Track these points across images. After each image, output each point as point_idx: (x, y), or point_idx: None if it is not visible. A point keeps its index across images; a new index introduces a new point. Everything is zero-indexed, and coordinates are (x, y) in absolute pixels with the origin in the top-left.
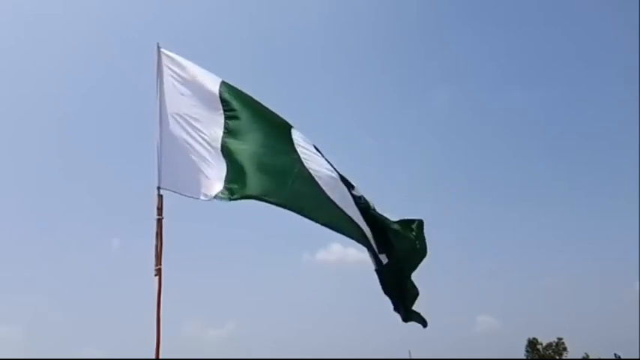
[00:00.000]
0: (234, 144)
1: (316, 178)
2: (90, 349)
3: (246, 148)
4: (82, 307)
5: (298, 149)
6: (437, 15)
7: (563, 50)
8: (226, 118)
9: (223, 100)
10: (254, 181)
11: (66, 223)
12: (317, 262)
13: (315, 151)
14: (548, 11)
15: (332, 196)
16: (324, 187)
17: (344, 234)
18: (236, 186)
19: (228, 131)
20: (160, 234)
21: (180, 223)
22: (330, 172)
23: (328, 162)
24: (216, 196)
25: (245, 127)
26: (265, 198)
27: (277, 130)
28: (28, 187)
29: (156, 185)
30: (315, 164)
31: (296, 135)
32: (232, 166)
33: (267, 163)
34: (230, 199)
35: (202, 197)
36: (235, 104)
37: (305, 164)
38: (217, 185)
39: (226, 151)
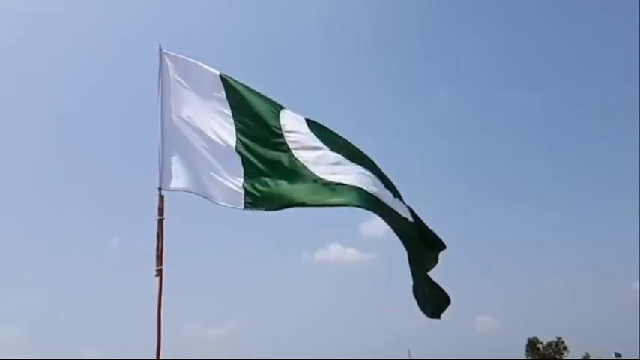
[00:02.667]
0: (246, 149)
1: (305, 164)
2: (90, 349)
3: (257, 153)
4: (82, 307)
5: (286, 138)
6: (437, 15)
7: (563, 50)
8: (235, 120)
9: (229, 101)
10: (268, 193)
11: (66, 222)
12: (316, 261)
13: (306, 130)
14: (548, 11)
15: (320, 175)
16: (311, 168)
17: (347, 205)
18: (254, 195)
19: (239, 134)
20: (160, 234)
21: (180, 223)
22: (318, 152)
23: (321, 139)
24: (234, 204)
25: (253, 129)
26: (279, 206)
27: (272, 122)
28: (28, 187)
29: (157, 186)
30: (304, 150)
31: (285, 119)
32: (248, 174)
33: (272, 168)
34: (248, 208)
35: (213, 200)
36: (239, 102)
37: (294, 154)
38: (232, 191)
39: (241, 156)
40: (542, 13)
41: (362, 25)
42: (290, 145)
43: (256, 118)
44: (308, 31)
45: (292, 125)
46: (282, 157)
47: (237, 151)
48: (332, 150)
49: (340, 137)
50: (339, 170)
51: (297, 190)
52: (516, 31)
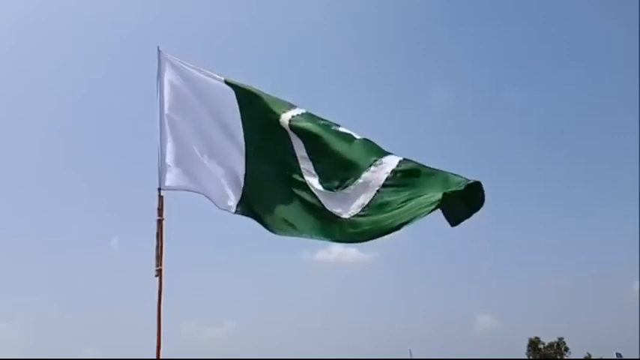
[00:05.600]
0: (252, 157)
1: (316, 193)
2: (90, 349)
3: (263, 166)
4: (82, 307)
5: (301, 164)
6: (437, 15)
7: (563, 50)
8: (243, 126)
9: (240, 107)
10: (270, 210)
11: (66, 222)
12: (317, 261)
13: (304, 154)
14: (548, 11)
15: (330, 208)
16: (322, 200)
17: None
18: (250, 202)
19: (247, 142)
20: (160, 235)
21: (179, 223)
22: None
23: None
24: (227, 208)
25: (262, 138)
26: (276, 232)
27: (283, 137)
28: (27, 187)
29: (156, 186)
30: (312, 177)
31: (292, 137)
32: (251, 183)
33: (279, 188)
34: (242, 214)
35: (210, 198)
36: (249, 110)
37: (305, 178)
38: (231, 193)
39: (245, 161)
40: (542, 13)
41: (361, 25)
42: (300, 163)
43: (267, 126)
44: (307, 31)
45: (297, 142)
46: (289, 175)
47: (244, 156)
48: (320, 182)
49: (325, 144)
50: (325, 201)
51: (301, 220)
52: (516, 31)
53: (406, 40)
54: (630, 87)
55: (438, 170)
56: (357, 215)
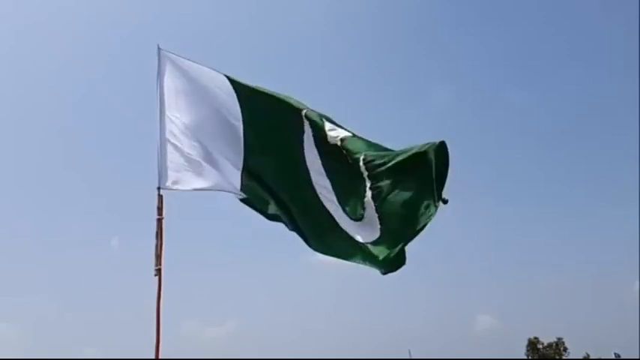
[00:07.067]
0: (253, 154)
1: (326, 205)
2: (90, 349)
3: (263, 164)
4: (82, 307)
5: (312, 175)
6: (437, 15)
7: (563, 50)
8: (244, 124)
9: (241, 104)
10: (273, 207)
11: (66, 222)
12: (317, 261)
13: (319, 167)
14: (548, 11)
15: (344, 228)
16: (334, 214)
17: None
18: (254, 199)
19: (247, 137)
20: (160, 234)
21: (180, 223)
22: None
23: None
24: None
25: (262, 138)
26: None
27: (291, 141)
28: (28, 187)
29: (156, 185)
30: (325, 189)
31: (307, 137)
32: (251, 178)
33: (284, 189)
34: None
35: (212, 188)
36: (247, 106)
37: (317, 190)
38: (230, 185)
39: (247, 158)
40: (542, 13)
41: (361, 25)
42: (313, 180)
43: (272, 123)
44: (307, 31)
45: (312, 155)
46: (298, 185)
47: (242, 152)
48: (338, 202)
49: (338, 160)
50: (341, 223)
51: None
52: (516, 31)
53: (406, 40)
54: (630, 87)
55: (401, 159)
56: (371, 243)
